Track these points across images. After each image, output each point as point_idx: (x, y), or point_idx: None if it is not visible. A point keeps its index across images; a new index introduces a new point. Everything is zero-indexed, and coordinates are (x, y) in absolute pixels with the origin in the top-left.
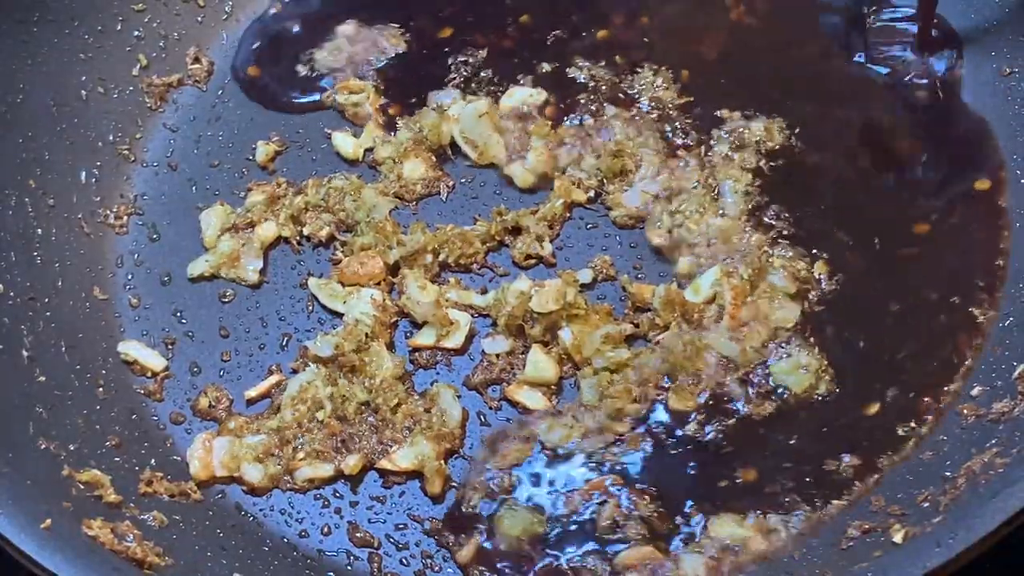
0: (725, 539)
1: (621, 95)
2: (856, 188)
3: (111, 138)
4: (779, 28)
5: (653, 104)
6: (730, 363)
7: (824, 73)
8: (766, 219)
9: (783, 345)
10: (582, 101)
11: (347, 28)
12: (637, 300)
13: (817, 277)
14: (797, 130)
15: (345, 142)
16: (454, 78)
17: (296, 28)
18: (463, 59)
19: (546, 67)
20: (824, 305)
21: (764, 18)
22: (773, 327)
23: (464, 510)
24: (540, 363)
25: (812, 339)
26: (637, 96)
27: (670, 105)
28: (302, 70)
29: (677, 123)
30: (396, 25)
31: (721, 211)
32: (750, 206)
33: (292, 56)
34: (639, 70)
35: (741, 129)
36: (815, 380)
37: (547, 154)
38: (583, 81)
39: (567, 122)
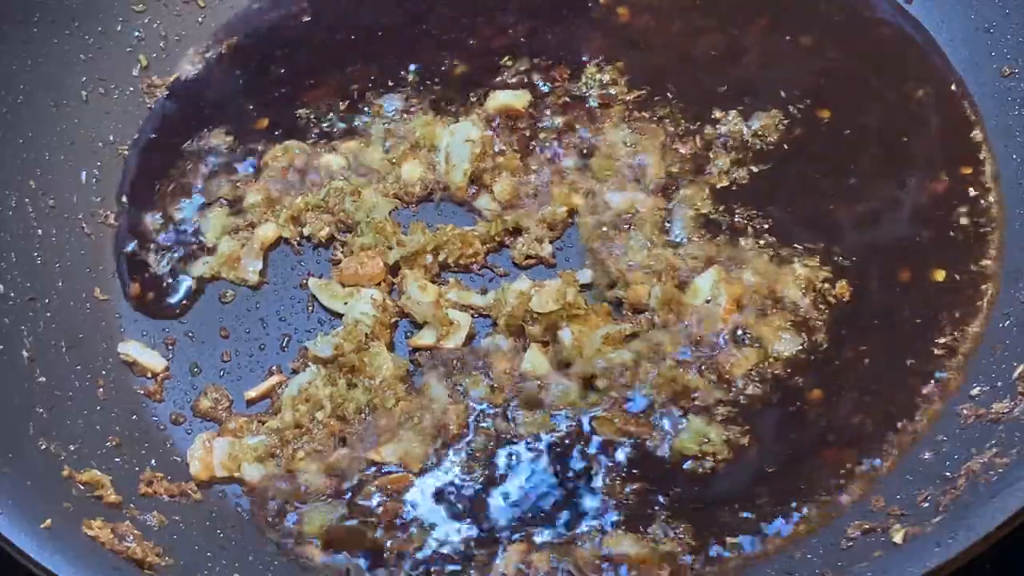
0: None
1: (568, 98)
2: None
3: (111, 138)
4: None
5: (605, 100)
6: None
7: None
8: (753, 225)
9: (718, 406)
10: (551, 105)
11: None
12: (631, 302)
13: (838, 296)
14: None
15: (332, 161)
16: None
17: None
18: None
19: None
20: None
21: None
22: (765, 355)
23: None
24: (536, 362)
25: (747, 421)
26: (586, 95)
27: (630, 100)
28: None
29: (661, 114)
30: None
31: (668, 240)
32: (704, 223)
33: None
34: (584, 68)
35: (739, 130)
36: (705, 452)
37: (513, 185)
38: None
39: (547, 122)
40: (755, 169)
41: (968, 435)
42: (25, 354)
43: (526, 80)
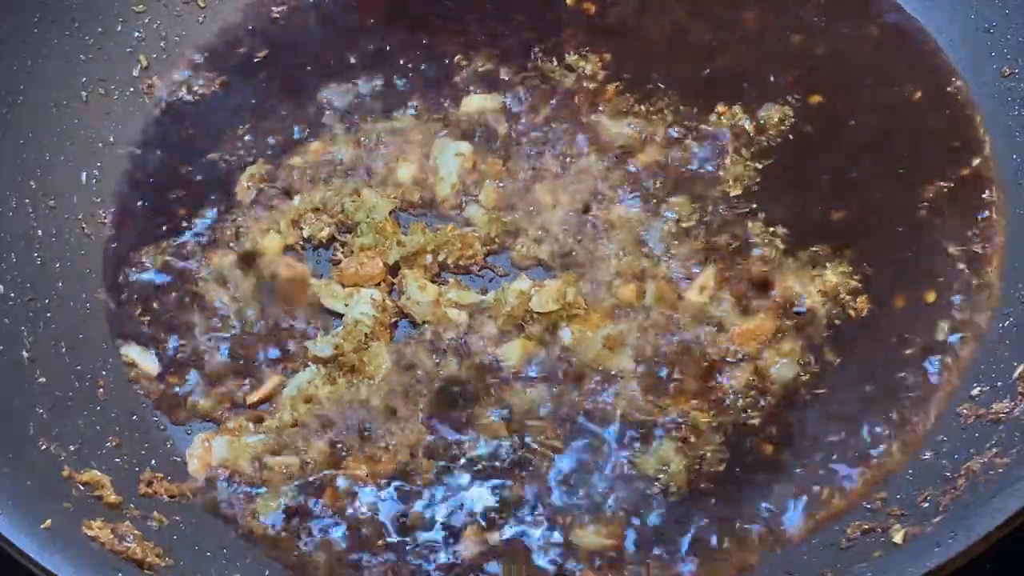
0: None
1: (549, 93)
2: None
3: (111, 138)
4: None
5: (590, 94)
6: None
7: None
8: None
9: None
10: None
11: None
12: (622, 303)
13: (858, 309)
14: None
15: (301, 161)
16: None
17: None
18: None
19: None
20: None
21: None
22: (762, 377)
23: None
24: (514, 354)
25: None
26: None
27: (615, 94)
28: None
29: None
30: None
31: (645, 252)
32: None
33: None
34: (567, 55)
35: (742, 127)
36: (668, 477)
37: (497, 192)
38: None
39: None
40: (759, 166)
41: (968, 435)
42: (25, 354)
43: (498, 77)
